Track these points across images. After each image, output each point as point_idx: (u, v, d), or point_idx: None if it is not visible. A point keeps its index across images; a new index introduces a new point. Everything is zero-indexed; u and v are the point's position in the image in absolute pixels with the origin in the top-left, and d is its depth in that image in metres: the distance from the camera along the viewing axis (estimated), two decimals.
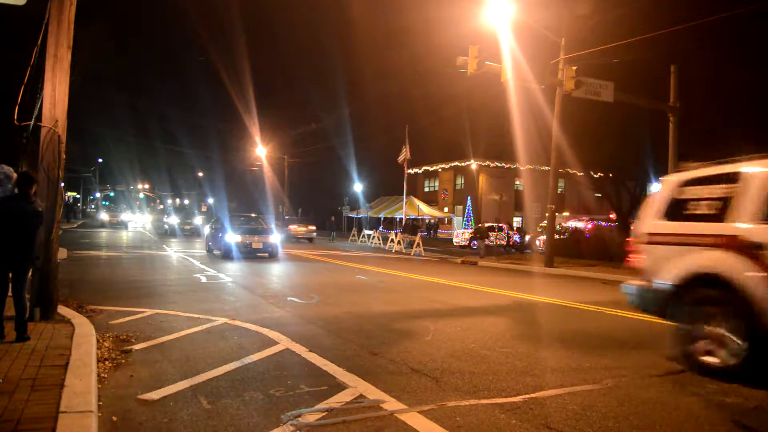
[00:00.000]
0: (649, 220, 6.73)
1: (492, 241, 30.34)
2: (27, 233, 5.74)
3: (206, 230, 24.58)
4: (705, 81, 21.05)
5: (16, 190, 5.80)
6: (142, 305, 8.91)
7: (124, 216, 54.45)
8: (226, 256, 18.91)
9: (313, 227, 35.44)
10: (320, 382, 4.99)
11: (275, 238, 20.32)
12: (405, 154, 32.55)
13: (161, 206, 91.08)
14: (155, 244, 27.68)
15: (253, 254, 19.39)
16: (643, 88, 20.02)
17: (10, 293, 5.75)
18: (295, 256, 21.64)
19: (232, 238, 19.01)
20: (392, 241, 29.96)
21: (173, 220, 38.86)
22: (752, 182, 5.64)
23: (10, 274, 5.72)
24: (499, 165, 48.68)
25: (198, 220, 39.60)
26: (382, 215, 46.97)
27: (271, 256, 19.83)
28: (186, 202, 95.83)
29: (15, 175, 5.88)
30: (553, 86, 18.47)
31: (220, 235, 20.08)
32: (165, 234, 37.44)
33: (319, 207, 56.87)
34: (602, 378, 5.45)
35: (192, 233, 36.42)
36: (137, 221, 67.96)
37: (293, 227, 34.93)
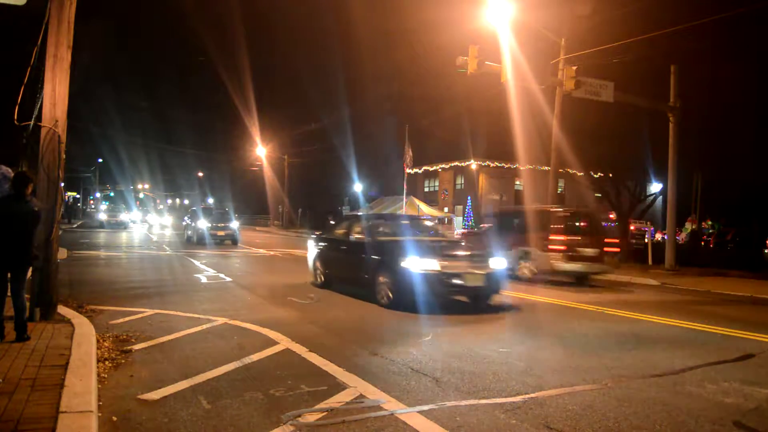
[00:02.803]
0: None
1: None
2: (24, 233, 5.73)
3: (312, 246, 12.45)
4: (705, 81, 21.04)
5: (13, 191, 5.79)
6: (142, 305, 8.90)
7: (124, 216, 52.19)
8: (405, 303, 9.13)
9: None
10: (320, 382, 4.98)
11: (499, 262, 9.97)
12: (408, 154, 32.51)
13: (160, 206, 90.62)
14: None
15: (457, 294, 9.83)
16: (643, 88, 20.01)
17: (9, 293, 5.75)
18: (293, 256, 21.63)
19: (420, 264, 9.05)
20: None
21: (202, 223, 26.84)
22: None
23: (9, 275, 5.72)
24: (499, 165, 48.66)
25: (235, 224, 28.55)
26: None
27: (490, 294, 9.92)
28: (186, 202, 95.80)
29: (12, 175, 5.87)
30: (553, 86, 18.46)
31: (383, 257, 9.76)
32: (190, 242, 27.45)
33: (319, 207, 56.88)
34: (602, 378, 5.45)
35: (223, 240, 26.80)
36: (151, 223, 58.27)
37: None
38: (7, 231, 5.62)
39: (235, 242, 26.93)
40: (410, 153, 32.64)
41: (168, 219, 62.04)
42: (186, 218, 31.54)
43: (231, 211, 34.41)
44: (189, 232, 28.99)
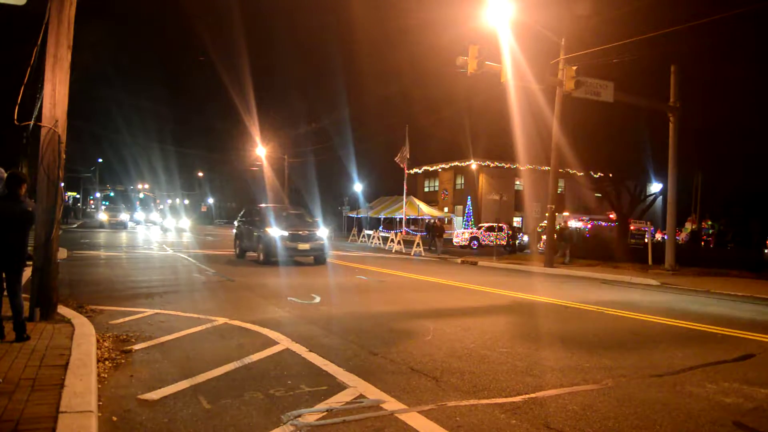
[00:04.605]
0: None
1: (492, 241, 30.37)
2: (16, 234, 5.71)
3: None
4: (705, 81, 21.04)
5: (6, 191, 5.78)
6: (142, 305, 8.91)
7: (124, 216, 51.14)
8: None
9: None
10: (320, 382, 4.98)
11: None
12: (404, 153, 32.47)
13: (161, 206, 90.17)
14: None
15: None
16: (643, 89, 20.03)
17: (6, 294, 5.74)
18: None
19: None
20: (392, 241, 29.95)
21: (274, 231, 17.34)
22: None
23: (4, 275, 5.71)
24: (499, 165, 48.69)
25: (324, 231, 19.11)
26: (382, 215, 47.00)
27: None
28: (186, 202, 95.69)
29: (5, 175, 5.87)
30: (553, 86, 18.47)
31: None
32: (245, 259, 19.01)
33: (319, 207, 56.85)
34: (602, 378, 5.45)
35: (291, 256, 17.75)
36: (167, 225, 49.60)
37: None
38: (1, 231, 5.61)
39: (322, 261, 18.03)
40: (407, 153, 32.55)
41: (186, 221, 52.48)
42: (239, 223, 20.75)
43: (311, 212, 22.53)
44: (245, 243, 19.21)
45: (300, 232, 17.76)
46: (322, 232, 18.51)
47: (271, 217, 18.29)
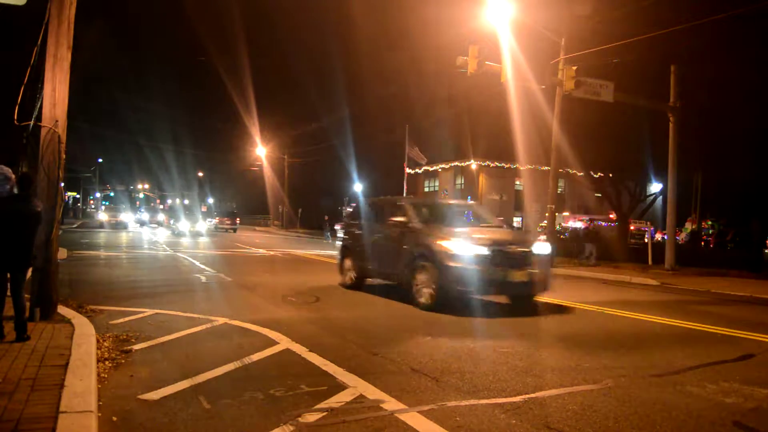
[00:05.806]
0: None
1: None
2: (25, 234, 5.72)
3: None
4: (705, 81, 21.05)
5: (15, 191, 5.80)
6: (142, 305, 8.90)
7: (124, 216, 50.35)
8: None
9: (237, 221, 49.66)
10: (320, 382, 4.98)
11: None
12: (417, 155, 32.39)
13: (160, 206, 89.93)
14: None
15: None
16: (643, 88, 20.03)
17: (9, 293, 5.75)
18: (293, 256, 21.65)
19: None
20: None
21: (461, 246, 8.73)
22: None
23: (9, 275, 5.72)
24: (499, 165, 48.63)
25: (544, 246, 9.81)
26: None
27: None
28: (186, 202, 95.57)
29: (14, 176, 5.88)
30: (553, 86, 18.47)
31: None
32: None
33: (318, 207, 56.85)
34: (602, 378, 5.44)
35: (514, 296, 10.14)
36: (181, 228, 40.45)
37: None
38: (9, 231, 5.62)
39: (532, 297, 10.01)
40: (418, 152, 32.46)
41: (202, 224, 43.37)
42: (351, 229, 12.34)
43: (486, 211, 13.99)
44: (374, 265, 11.07)
45: (508, 249, 9.22)
46: (543, 248, 9.74)
47: (441, 220, 10.58)
